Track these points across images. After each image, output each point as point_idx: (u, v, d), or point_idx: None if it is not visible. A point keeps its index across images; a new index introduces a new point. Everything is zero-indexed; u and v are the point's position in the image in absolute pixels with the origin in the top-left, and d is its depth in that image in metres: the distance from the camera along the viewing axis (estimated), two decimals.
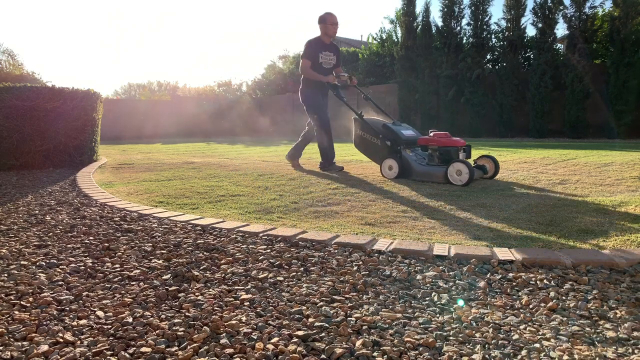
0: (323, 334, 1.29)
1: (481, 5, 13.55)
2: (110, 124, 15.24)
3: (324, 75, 5.36)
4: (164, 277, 1.77)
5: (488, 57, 14.14)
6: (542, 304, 1.49)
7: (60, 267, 1.90)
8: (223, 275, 1.79)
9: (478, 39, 13.54)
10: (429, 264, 1.91)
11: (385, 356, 1.17)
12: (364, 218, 2.80)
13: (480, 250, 2.03)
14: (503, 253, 1.97)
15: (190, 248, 2.16)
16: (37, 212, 3.10)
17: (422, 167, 4.30)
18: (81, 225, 2.67)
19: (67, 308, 1.49)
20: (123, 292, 1.63)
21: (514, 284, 1.68)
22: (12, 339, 1.28)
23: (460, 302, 1.52)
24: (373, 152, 4.93)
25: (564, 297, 1.55)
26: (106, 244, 2.23)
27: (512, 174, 4.68)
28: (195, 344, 1.24)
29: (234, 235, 2.37)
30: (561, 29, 18.81)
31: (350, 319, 1.39)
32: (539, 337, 1.27)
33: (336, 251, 2.08)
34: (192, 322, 1.36)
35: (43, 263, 1.95)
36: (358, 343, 1.23)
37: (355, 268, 1.85)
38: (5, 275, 1.80)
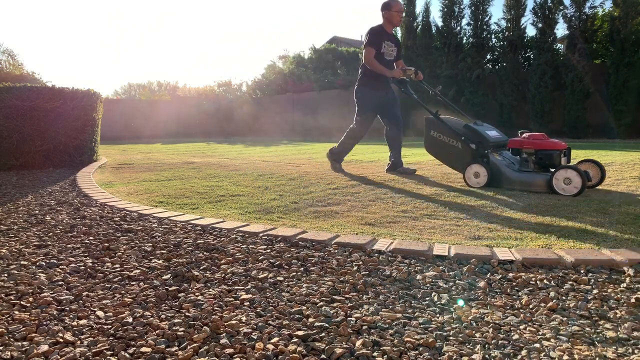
0: (323, 334, 1.29)
1: (481, 5, 13.56)
2: (110, 124, 15.24)
3: (386, 68, 4.77)
4: (164, 277, 1.77)
5: (488, 57, 14.14)
6: (542, 304, 1.49)
7: (60, 267, 1.90)
8: (223, 275, 1.79)
9: (478, 39, 13.55)
10: (429, 264, 1.91)
11: (385, 356, 1.17)
12: (364, 218, 2.80)
13: (480, 250, 2.03)
14: (503, 253, 1.97)
15: (190, 248, 2.16)
16: (37, 212, 3.10)
17: (516, 174, 3.75)
18: (81, 225, 2.67)
19: (67, 308, 1.49)
20: (123, 292, 1.63)
21: (514, 284, 1.68)
22: (12, 339, 1.28)
23: (460, 302, 1.52)
24: (452, 156, 4.31)
25: (564, 297, 1.55)
26: (106, 244, 2.23)
27: None
28: (195, 344, 1.24)
29: (234, 235, 2.37)
30: (561, 29, 18.80)
31: (350, 319, 1.39)
32: (539, 337, 1.27)
33: (336, 251, 2.08)
34: (192, 322, 1.36)
35: (43, 263, 1.95)
36: (358, 343, 1.23)
37: (355, 268, 1.85)
38: (5, 275, 1.80)
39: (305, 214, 2.95)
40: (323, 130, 17.71)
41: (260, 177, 4.73)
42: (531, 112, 12.23)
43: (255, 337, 1.28)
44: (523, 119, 12.46)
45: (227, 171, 5.35)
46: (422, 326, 1.35)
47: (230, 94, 22.34)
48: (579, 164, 3.77)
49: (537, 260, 1.88)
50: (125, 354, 1.19)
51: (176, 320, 1.38)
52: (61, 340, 1.27)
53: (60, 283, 1.72)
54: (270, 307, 1.49)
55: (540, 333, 1.30)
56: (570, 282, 1.68)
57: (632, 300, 1.50)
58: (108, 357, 1.18)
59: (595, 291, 1.59)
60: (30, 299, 1.55)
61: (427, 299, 1.56)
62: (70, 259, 2.01)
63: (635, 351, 1.20)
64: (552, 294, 1.57)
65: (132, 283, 1.72)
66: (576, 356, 1.17)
